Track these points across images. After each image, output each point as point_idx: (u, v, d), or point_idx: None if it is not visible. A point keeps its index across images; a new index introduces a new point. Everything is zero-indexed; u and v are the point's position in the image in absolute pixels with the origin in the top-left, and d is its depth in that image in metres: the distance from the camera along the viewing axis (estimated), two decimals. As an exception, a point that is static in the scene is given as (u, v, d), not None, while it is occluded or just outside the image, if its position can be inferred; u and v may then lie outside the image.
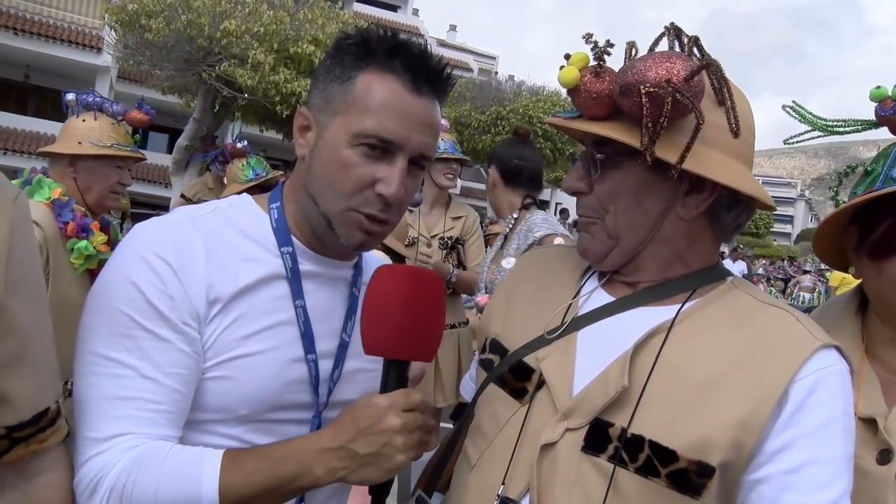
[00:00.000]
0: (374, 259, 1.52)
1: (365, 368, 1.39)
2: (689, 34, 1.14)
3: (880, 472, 1.25)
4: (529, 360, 1.26)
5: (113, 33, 12.92)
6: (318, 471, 1.15)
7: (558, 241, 2.96)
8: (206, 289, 1.21)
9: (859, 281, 1.47)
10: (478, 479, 1.27)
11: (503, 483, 1.20)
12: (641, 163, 1.13)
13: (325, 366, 1.32)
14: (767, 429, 1.08)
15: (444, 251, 4.32)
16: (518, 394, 1.26)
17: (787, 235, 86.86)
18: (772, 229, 61.52)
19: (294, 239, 1.32)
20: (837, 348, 1.15)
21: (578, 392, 1.19)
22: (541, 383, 1.23)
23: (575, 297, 1.31)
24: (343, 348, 1.36)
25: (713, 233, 1.25)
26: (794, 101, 1.53)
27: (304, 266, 1.32)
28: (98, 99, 3.14)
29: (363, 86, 1.24)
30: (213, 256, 1.23)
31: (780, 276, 26.18)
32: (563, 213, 20.40)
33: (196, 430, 1.23)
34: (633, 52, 1.17)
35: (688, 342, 1.16)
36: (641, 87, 1.08)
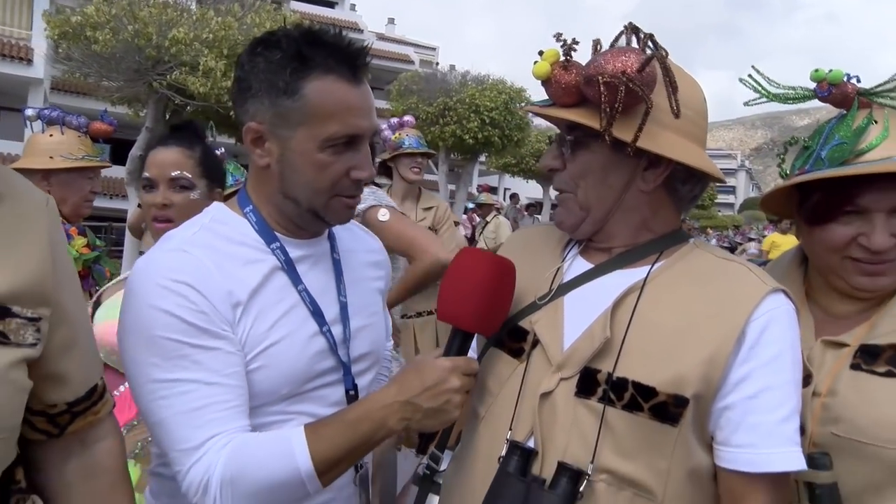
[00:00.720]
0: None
1: (366, 324, 1.57)
2: (646, 31, 1.31)
3: (801, 393, 1.41)
4: (524, 323, 1.43)
5: (51, 44, 12.61)
6: (391, 422, 1.29)
7: (383, 211, 2.93)
8: (227, 296, 1.34)
9: (788, 244, 1.69)
10: (487, 429, 1.43)
11: (510, 429, 1.37)
12: (605, 143, 1.30)
13: (337, 331, 1.48)
14: (730, 363, 1.27)
15: None
16: (516, 353, 1.43)
17: (731, 206, 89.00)
18: (716, 201, 63.11)
19: (277, 234, 1.46)
20: (784, 292, 1.34)
21: (568, 347, 1.36)
22: (535, 342, 1.40)
23: (559, 267, 1.48)
24: (344, 309, 1.51)
25: (673, 203, 1.43)
26: (753, 67, 1.67)
27: (293, 253, 1.46)
28: (60, 113, 3.20)
29: (314, 96, 1.34)
30: (221, 268, 1.36)
31: (725, 244, 26.94)
32: (514, 197, 20.56)
33: (250, 415, 1.36)
34: (599, 48, 1.33)
35: (659, 297, 1.34)
36: (600, 77, 1.25)
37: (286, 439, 1.29)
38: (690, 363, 1.26)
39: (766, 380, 1.27)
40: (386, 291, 1.76)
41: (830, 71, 1.50)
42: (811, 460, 1.35)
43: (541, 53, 1.34)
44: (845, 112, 1.52)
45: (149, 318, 1.29)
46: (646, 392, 1.27)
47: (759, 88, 1.62)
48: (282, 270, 1.44)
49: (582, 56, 1.32)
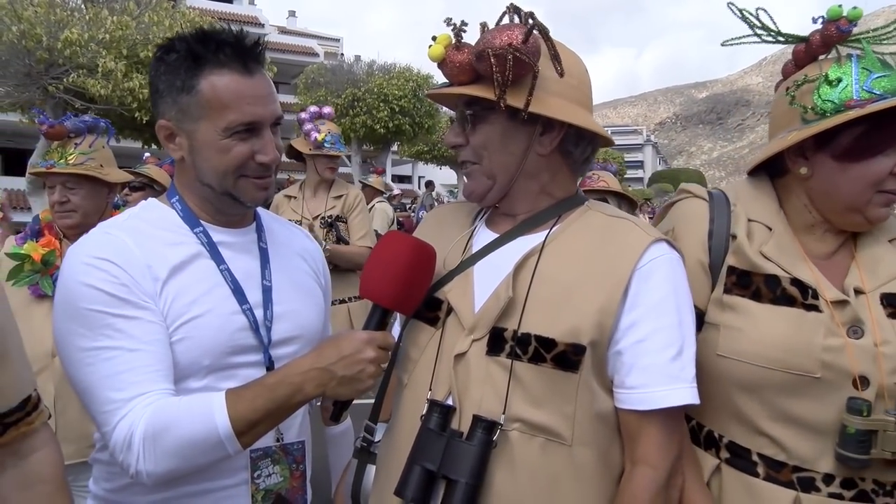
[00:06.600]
0: (269, 216, 1.78)
1: (292, 309, 1.65)
2: (526, 10, 1.42)
3: (691, 332, 1.47)
4: (438, 294, 1.55)
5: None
6: (307, 388, 1.38)
7: None
8: (147, 270, 1.43)
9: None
10: (410, 393, 1.54)
11: (430, 390, 1.48)
12: (502, 113, 1.41)
13: (259, 312, 1.57)
14: (619, 310, 1.40)
15: (325, 229, 4.52)
16: (432, 322, 1.54)
17: (641, 180, 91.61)
18: (626, 176, 64.74)
19: (201, 221, 1.57)
20: (667, 241, 1.48)
21: (478, 310, 1.47)
22: (449, 310, 1.51)
23: (469, 239, 1.60)
24: (268, 292, 1.60)
25: (568, 166, 1.55)
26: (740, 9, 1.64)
27: (217, 238, 1.57)
28: None
29: (208, 90, 1.46)
30: (143, 247, 1.46)
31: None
32: (429, 184, 20.71)
33: (175, 387, 1.43)
34: (486, 29, 1.43)
35: (557, 256, 1.47)
36: (489, 51, 1.36)
37: (207, 401, 1.37)
38: (585, 313, 1.39)
39: (652, 324, 1.41)
40: (324, 288, 1.83)
41: (854, 8, 1.54)
42: (849, 404, 1.43)
43: (434, 38, 1.45)
44: (856, 53, 1.54)
45: (75, 292, 1.39)
46: (547, 344, 1.39)
47: (749, 21, 1.65)
48: (206, 253, 1.53)
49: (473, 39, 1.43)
